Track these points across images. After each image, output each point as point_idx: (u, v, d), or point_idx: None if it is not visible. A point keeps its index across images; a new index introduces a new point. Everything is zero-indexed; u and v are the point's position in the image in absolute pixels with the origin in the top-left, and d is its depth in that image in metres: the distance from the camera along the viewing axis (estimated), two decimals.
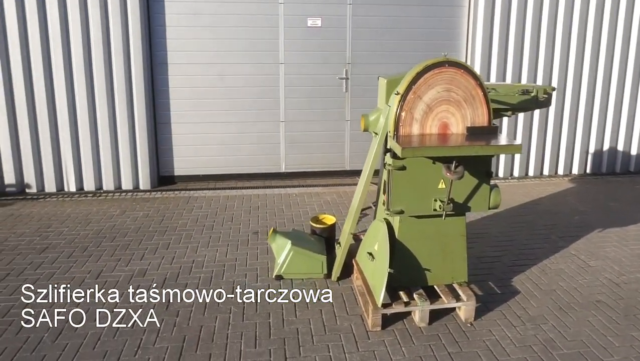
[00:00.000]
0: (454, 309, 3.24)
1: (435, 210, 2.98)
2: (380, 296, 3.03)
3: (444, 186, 3.00)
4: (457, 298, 3.18)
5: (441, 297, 3.20)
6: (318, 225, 4.03)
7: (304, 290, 3.56)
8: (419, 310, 3.11)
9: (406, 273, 3.24)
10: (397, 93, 2.81)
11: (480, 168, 2.97)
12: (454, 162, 2.71)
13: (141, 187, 5.82)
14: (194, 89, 5.69)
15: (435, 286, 3.30)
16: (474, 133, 2.87)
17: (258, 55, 5.61)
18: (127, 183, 5.76)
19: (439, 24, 5.89)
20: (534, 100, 3.53)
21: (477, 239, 4.46)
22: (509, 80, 5.98)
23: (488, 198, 3.07)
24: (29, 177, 5.56)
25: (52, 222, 4.78)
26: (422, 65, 2.78)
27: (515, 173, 6.45)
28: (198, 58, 5.58)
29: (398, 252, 3.19)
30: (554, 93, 3.92)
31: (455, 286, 3.30)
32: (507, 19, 5.84)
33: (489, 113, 2.93)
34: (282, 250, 3.74)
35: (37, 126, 5.42)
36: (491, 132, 2.94)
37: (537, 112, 6.15)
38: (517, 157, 6.30)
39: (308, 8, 5.55)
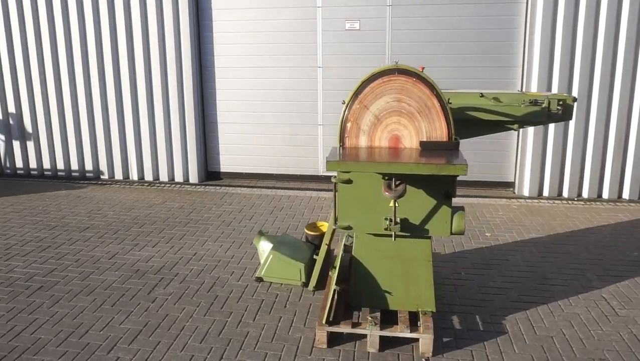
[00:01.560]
0: (415, 339, 2.96)
1: (385, 229, 2.74)
2: (325, 312, 2.90)
3: (397, 204, 2.75)
4: (413, 328, 2.89)
5: (397, 324, 2.94)
6: (310, 232, 3.98)
7: (277, 295, 3.59)
8: (369, 334, 2.90)
9: (365, 294, 3.05)
10: (344, 102, 2.64)
11: (438, 188, 2.65)
12: (393, 179, 2.47)
13: (190, 180, 6.35)
14: (239, 91, 6.01)
15: (398, 311, 3.05)
16: (428, 148, 2.57)
17: (297, 59, 5.69)
18: (178, 176, 6.33)
19: (489, 23, 5.32)
20: (544, 112, 3.05)
21: (493, 265, 3.97)
22: (576, 90, 5.16)
23: (450, 223, 2.72)
24: (102, 165, 6.44)
25: (104, 206, 5.49)
26: (370, 73, 2.57)
27: (585, 194, 5.54)
28: (242, 62, 5.88)
29: (355, 270, 3.01)
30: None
31: (420, 314, 3.01)
32: (573, 14, 5.03)
33: (448, 126, 2.59)
34: (264, 253, 3.78)
35: (109, 122, 6.25)
36: (449, 147, 2.60)
37: (617, 122, 5.20)
38: (587, 175, 5.41)
39: (346, 11, 5.45)
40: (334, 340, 3.01)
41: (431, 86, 2.56)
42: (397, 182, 2.50)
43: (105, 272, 3.94)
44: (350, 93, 2.63)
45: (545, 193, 5.57)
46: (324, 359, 2.89)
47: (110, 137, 6.32)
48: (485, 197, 5.62)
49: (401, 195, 2.47)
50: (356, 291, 3.07)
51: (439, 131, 2.60)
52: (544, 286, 3.65)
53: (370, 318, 2.98)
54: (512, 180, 5.76)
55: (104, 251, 4.34)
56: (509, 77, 5.41)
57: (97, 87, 6.13)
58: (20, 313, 3.36)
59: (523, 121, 3.17)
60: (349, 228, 2.83)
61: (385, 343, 2.95)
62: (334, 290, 2.92)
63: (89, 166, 6.49)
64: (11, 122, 6.45)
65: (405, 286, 3.00)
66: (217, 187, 6.18)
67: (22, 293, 3.62)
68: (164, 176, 6.36)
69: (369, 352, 2.92)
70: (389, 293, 3.03)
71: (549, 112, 3.11)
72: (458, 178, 5.68)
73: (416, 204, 2.71)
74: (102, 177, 6.51)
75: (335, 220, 2.84)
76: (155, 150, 6.28)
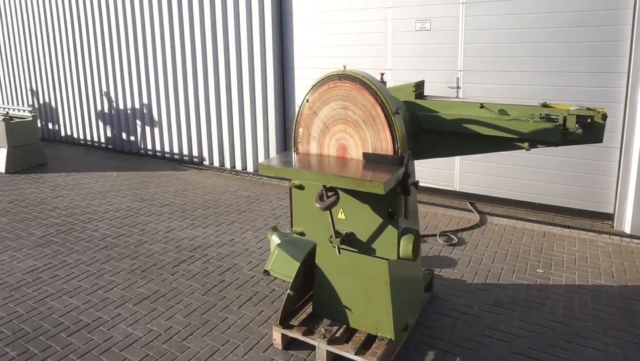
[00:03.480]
0: None
1: (329, 240, 2.60)
2: (279, 314, 2.91)
3: (343, 217, 2.58)
4: (363, 351, 2.69)
5: (347, 343, 2.78)
6: None
7: (273, 290, 3.71)
8: (317, 346, 2.82)
9: (326, 304, 2.96)
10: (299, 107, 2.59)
11: (381, 207, 2.40)
12: (324, 189, 2.33)
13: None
14: None
15: (358, 331, 2.87)
16: (371, 161, 2.35)
17: (368, 61, 5.58)
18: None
19: (586, 20, 4.36)
20: (558, 130, 2.50)
21: (520, 307, 3.38)
22: None
23: (397, 245, 2.44)
24: (205, 153, 7.37)
25: (189, 187, 6.32)
26: (319, 78, 2.46)
27: None
28: (318, 63, 6.02)
29: (318, 278, 2.94)
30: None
31: (377, 339, 2.78)
32: None
33: (393, 138, 2.32)
34: (272, 248, 3.93)
35: (210, 117, 7.12)
36: (390, 162, 2.32)
37: None
38: None
39: (417, 11, 5.11)
40: (293, 343, 3.01)
41: (375, 93, 2.33)
42: (330, 193, 2.37)
43: (155, 243, 4.61)
44: (303, 98, 2.57)
45: None
46: (272, 359, 2.93)
47: (210, 129, 7.19)
48: (571, 227, 4.69)
49: (329, 207, 2.34)
50: (319, 301, 3.00)
51: (384, 143, 2.35)
52: (570, 346, 2.96)
53: (324, 331, 2.89)
54: (611, 212, 4.68)
55: (165, 226, 5.05)
56: (611, 85, 4.38)
57: (202, 87, 7.02)
58: (81, 264, 4.20)
59: (533, 139, 2.63)
60: (302, 234, 2.78)
61: (336, 359, 2.83)
62: (287, 295, 2.92)
63: (195, 152, 7.50)
64: (144, 111, 7.87)
65: (365, 305, 2.81)
66: (289, 181, 6.50)
67: (91, 249, 4.50)
68: (250, 166, 6.97)
69: None
70: (349, 309, 2.88)
71: (564, 130, 2.51)
72: (541, 202, 4.88)
73: (362, 220, 2.52)
74: (204, 162, 7.45)
75: (291, 223, 2.83)
76: (243, 143, 6.92)
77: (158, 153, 7.95)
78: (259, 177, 6.75)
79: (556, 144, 2.58)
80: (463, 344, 3.02)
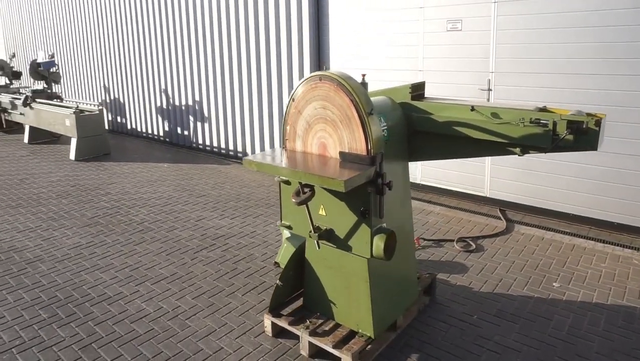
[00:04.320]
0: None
1: (309, 234, 2.69)
2: (270, 302, 3.06)
3: (324, 213, 2.66)
4: (338, 345, 2.76)
5: (328, 336, 2.85)
6: None
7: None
8: (301, 336, 2.92)
9: (314, 298, 3.06)
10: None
11: (355, 205, 2.44)
12: (301, 185, 2.42)
13: None
14: None
15: (342, 326, 2.94)
16: (345, 159, 2.41)
17: (402, 62, 5.55)
18: None
19: (621, 19, 4.00)
20: (548, 136, 2.41)
21: (523, 320, 3.24)
22: None
23: (370, 244, 2.47)
24: (248, 148, 7.73)
25: (228, 181, 6.68)
26: (303, 79, 2.56)
27: None
28: (354, 64, 6.08)
29: (307, 271, 3.04)
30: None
31: (357, 336, 2.83)
32: None
33: (366, 138, 2.35)
34: (283, 241, 4.09)
35: (252, 114, 7.45)
36: (362, 161, 2.35)
37: None
38: None
39: (449, 11, 4.98)
40: (283, 333, 3.14)
41: (350, 94, 2.37)
42: (307, 189, 2.46)
43: (184, 230, 4.97)
44: (289, 97, 2.68)
45: None
46: (261, 345, 3.09)
47: (253, 127, 7.51)
48: (606, 242, 4.34)
49: (304, 202, 2.43)
50: (308, 294, 3.10)
51: (359, 142, 2.39)
52: None
53: (309, 322, 2.99)
54: None
55: (198, 215, 5.41)
56: None
57: (246, 88, 7.36)
58: (117, 244, 4.65)
59: (523, 144, 2.53)
60: (290, 227, 2.90)
61: (319, 352, 2.92)
62: (276, 285, 3.05)
63: (239, 148, 7.88)
64: (196, 108, 8.40)
65: (348, 301, 2.87)
66: None
67: (128, 232, 4.96)
68: None
69: (301, 354, 2.96)
70: (334, 304, 2.95)
71: (554, 136, 2.39)
72: (576, 213, 4.61)
73: (340, 218, 2.58)
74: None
75: (281, 218, 2.95)
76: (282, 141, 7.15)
77: (207, 148, 8.45)
78: None
79: (545, 150, 2.46)
80: (451, 351, 2.97)
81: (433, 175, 5.67)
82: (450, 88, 5.18)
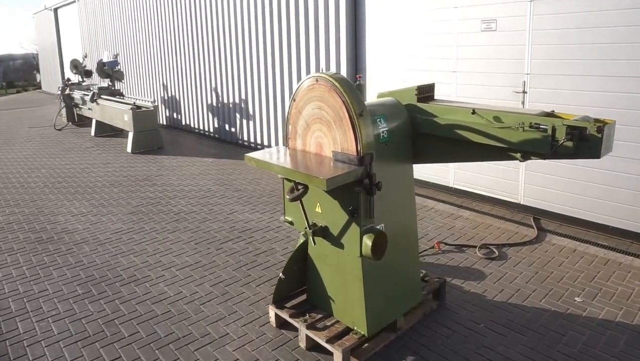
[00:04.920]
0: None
1: (305, 230, 2.77)
2: (273, 296, 3.19)
3: (320, 210, 2.72)
4: (331, 340, 2.82)
5: (326, 328, 2.93)
6: None
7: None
8: (299, 329, 3.02)
9: (316, 292, 3.14)
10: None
11: (345, 204, 2.48)
12: (294, 182, 2.51)
13: None
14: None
15: (339, 321, 3.00)
16: (337, 159, 2.46)
17: (436, 62, 5.44)
18: None
19: None
20: (547, 142, 2.33)
21: (532, 332, 3.12)
22: None
23: (359, 243, 2.50)
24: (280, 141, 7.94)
25: (265, 177, 6.91)
26: (303, 80, 2.63)
27: None
28: (388, 65, 6.05)
29: (310, 267, 3.13)
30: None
31: (352, 332, 2.87)
32: None
33: (356, 139, 2.38)
34: None
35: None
36: (351, 161, 2.38)
37: None
38: None
39: (483, 10, 4.79)
40: (286, 324, 3.25)
41: (342, 95, 2.42)
42: (300, 187, 2.55)
43: (215, 222, 5.24)
44: (291, 97, 2.77)
45: None
46: (264, 334, 3.22)
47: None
48: None
49: (297, 198, 2.52)
50: (310, 289, 3.19)
51: (350, 143, 2.43)
52: None
53: (309, 316, 3.08)
54: None
55: (231, 208, 5.67)
56: None
57: (287, 88, 7.56)
58: (153, 232, 5.01)
59: (522, 150, 2.44)
60: (292, 223, 3.00)
61: (316, 345, 3.00)
62: (279, 278, 3.17)
63: (281, 144, 8.12)
64: (242, 106, 8.75)
65: (344, 299, 2.93)
66: None
67: (165, 221, 5.32)
68: None
69: (299, 346, 3.06)
70: (333, 300, 3.02)
71: (553, 142, 2.29)
72: (616, 226, 4.38)
73: (333, 216, 2.64)
74: None
75: (284, 214, 3.06)
76: None
77: (251, 144, 8.78)
78: None
79: (545, 156, 2.36)
80: (448, 357, 2.93)
81: (465, 179, 5.52)
82: (484, 90, 5.02)
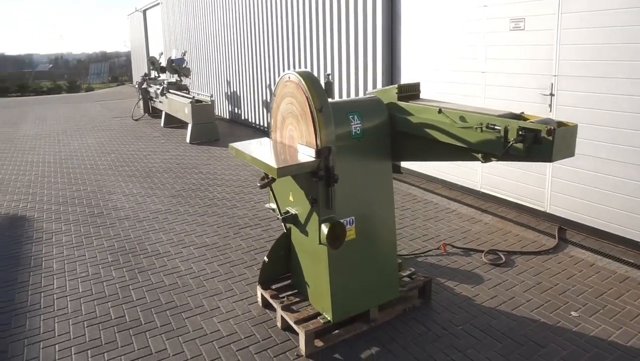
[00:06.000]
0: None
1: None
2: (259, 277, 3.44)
3: (292, 199, 2.89)
4: (299, 322, 2.99)
5: (299, 311, 3.11)
6: None
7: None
8: (277, 310, 3.23)
9: (297, 278, 3.32)
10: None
11: (307, 193, 2.62)
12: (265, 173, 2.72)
13: None
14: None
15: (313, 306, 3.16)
16: (301, 151, 2.61)
17: (462, 63, 5.30)
18: None
19: None
20: (499, 143, 2.33)
21: (509, 341, 3.04)
22: None
23: (318, 231, 2.63)
24: None
25: None
26: (280, 76, 2.82)
27: None
28: (420, 63, 6.00)
29: (292, 252, 3.32)
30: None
31: (320, 317, 3.02)
32: None
33: (315, 133, 2.51)
34: None
35: None
36: (311, 153, 2.51)
37: None
38: None
39: (512, 9, 4.57)
40: (271, 305, 3.48)
41: (306, 91, 2.56)
42: (267, 177, 2.75)
43: (242, 209, 5.61)
44: (272, 92, 2.97)
45: None
46: (249, 311, 3.48)
47: None
48: None
49: (264, 186, 2.74)
50: (293, 273, 3.38)
51: (312, 136, 2.57)
52: None
53: (286, 298, 3.28)
54: None
55: (259, 198, 6.01)
56: None
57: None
58: (185, 214, 5.51)
59: (480, 150, 2.42)
60: (273, 210, 3.21)
61: (290, 327, 3.18)
62: (263, 260, 3.39)
63: None
64: None
65: (315, 284, 3.08)
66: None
67: (199, 205, 5.80)
68: None
69: (276, 325, 3.27)
70: (308, 286, 3.18)
71: (505, 143, 2.25)
72: None
73: (301, 204, 2.80)
74: None
75: (270, 201, 3.27)
76: None
77: None
78: None
79: (498, 158, 2.33)
80: (414, 353, 2.96)
81: (492, 183, 5.33)
82: (512, 91, 4.82)
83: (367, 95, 3.03)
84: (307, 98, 2.59)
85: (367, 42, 6.74)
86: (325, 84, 2.72)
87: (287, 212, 2.97)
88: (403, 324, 3.26)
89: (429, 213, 5.29)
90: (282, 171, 2.44)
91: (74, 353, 3.06)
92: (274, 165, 2.46)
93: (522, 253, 4.23)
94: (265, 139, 3.21)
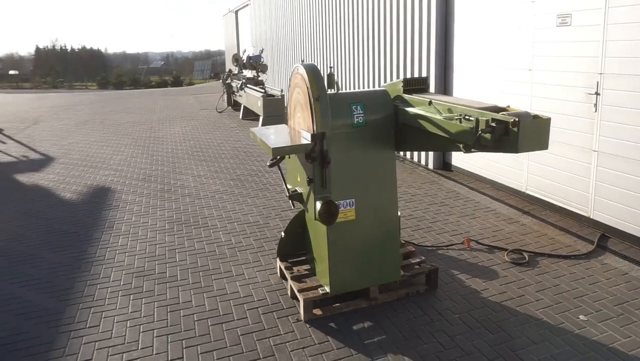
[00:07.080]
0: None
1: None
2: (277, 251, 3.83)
3: (299, 179, 3.21)
4: (302, 290, 3.31)
5: (305, 282, 3.43)
6: None
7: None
8: (288, 279, 3.59)
9: (310, 252, 3.64)
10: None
11: (307, 174, 2.91)
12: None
13: (429, 165, 7.16)
14: (473, 93, 6.10)
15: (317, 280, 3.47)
16: (302, 136, 2.92)
17: (510, 59, 5.15)
18: (423, 160, 7.31)
19: None
20: (471, 133, 2.47)
21: (491, 330, 3.06)
22: None
23: (314, 208, 2.91)
24: None
25: None
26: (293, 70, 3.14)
27: None
28: (472, 60, 5.90)
29: (306, 229, 3.65)
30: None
31: (320, 288, 3.32)
32: None
33: (312, 119, 2.79)
34: None
35: None
36: (307, 137, 2.80)
37: None
38: None
39: (559, 4, 4.35)
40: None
41: (306, 82, 2.85)
42: (279, 156, 3.10)
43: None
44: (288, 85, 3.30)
45: None
46: (268, 279, 3.89)
47: None
48: None
49: (272, 165, 3.09)
50: (307, 249, 3.71)
51: (310, 122, 2.86)
52: None
53: (297, 270, 3.62)
54: None
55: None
56: None
57: (387, 81, 7.89)
58: (237, 195, 6.10)
59: (458, 140, 2.53)
60: (290, 190, 3.55)
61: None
62: (281, 236, 3.76)
63: None
64: None
65: (319, 260, 3.38)
66: (438, 176, 6.68)
67: (252, 188, 6.37)
68: (430, 164, 7.34)
69: (287, 293, 3.63)
70: (315, 260, 3.49)
71: (477, 134, 2.35)
72: None
73: (304, 184, 3.11)
74: (406, 156, 8.24)
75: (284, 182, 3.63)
76: None
77: None
78: (422, 167, 7.17)
79: (472, 149, 2.43)
80: (403, 331, 3.13)
81: (538, 185, 5.15)
82: (558, 90, 4.63)
83: (375, 89, 3.25)
84: (307, 88, 2.91)
85: (422, 41, 6.80)
86: (328, 76, 3.00)
87: (295, 190, 3.32)
88: (402, 306, 3.43)
89: (467, 210, 5.27)
90: (276, 151, 2.79)
91: (120, 296, 3.72)
92: (271, 145, 2.82)
93: (549, 256, 4.10)
94: (284, 126, 3.58)
